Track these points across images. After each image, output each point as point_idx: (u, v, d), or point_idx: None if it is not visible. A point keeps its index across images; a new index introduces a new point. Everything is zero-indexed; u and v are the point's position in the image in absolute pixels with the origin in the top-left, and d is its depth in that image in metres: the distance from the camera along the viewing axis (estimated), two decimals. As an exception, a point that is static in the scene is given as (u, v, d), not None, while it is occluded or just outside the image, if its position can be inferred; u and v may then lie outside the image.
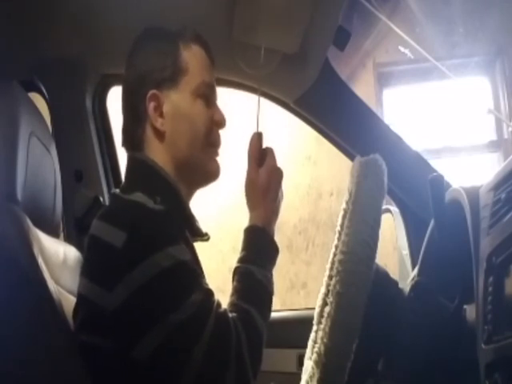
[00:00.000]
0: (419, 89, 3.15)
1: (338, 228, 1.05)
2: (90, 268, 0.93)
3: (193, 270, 0.92)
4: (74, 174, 1.53)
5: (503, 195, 0.77)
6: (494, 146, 3.07)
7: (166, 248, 0.88)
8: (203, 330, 0.86)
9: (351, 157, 1.53)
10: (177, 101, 1.04)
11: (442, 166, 2.05)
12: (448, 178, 1.02)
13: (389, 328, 0.90)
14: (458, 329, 0.88)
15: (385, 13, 2.25)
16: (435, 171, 1.45)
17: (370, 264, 0.83)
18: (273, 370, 1.54)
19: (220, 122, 1.08)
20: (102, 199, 1.52)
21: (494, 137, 3.09)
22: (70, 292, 1.02)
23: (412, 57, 2.71)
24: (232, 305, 0.95)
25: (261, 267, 0.99)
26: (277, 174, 1.06)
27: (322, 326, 0.84)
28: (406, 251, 1.52)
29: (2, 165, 0.93)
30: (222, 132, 1.10)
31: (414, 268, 1.34)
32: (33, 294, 0.88)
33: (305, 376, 0.92)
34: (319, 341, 0.83)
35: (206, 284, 0.93)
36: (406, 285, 1.01)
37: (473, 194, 0.86)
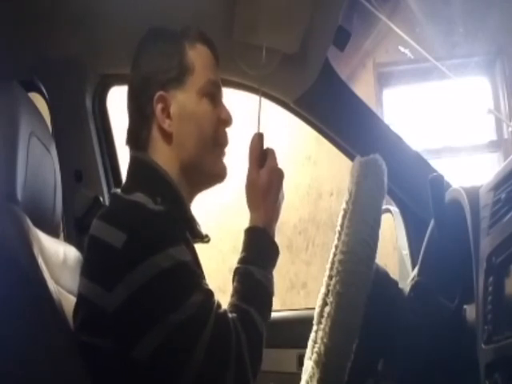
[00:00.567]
0: (419, 89, 3.15)
1: (338, 228, 1.05)
2: (90, 268, 0.93)
3: (193, 271, 0.92)
4: (74, 174, 1.53)
5: (503, 195, 0.77)
6: (494, 146, 3.07)
7: (166, 249, 0.88)
8: (203, 330, 0.86)
9: (351, 157, 1.53)
10: (183, 101, 1.04)
11: (442, 166, 2.06)
12: (448, 177, 1.02)
13: (389, 328, 0.90)
14: (458, 329, 0.88)
15: (385, 13, 2.25)
16: (435, 171, 1.45)
17: (370, 264, 0.83)
18: (273, 370, 1.54)
19: (226, 121, 1.08)
20: (102, 199, 1.52)
21: (494, 137, 3.09)
22: (70, 292, 1.02)
23: (412, 57, 2.71)
24: (232, 305, 0.95)
25: (261, 268, 0.99)
26: (277, 175, 1.06)
27: (322, 326, 0.84)
28: (406, 251, 1.52)
29: (2, 165, 0.93)
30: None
31: (413, 268, 1.34)
32: (33, 293, 0.88)
33: (305, 376, 0.92)
34: (319, 341, 0.83)
35: (206, 285, 0.93)
36: (405, 285, 1.01)
37: (473, 194, 0.86)
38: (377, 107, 3.00)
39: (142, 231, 0.89)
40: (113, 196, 1.03)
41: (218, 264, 2.61)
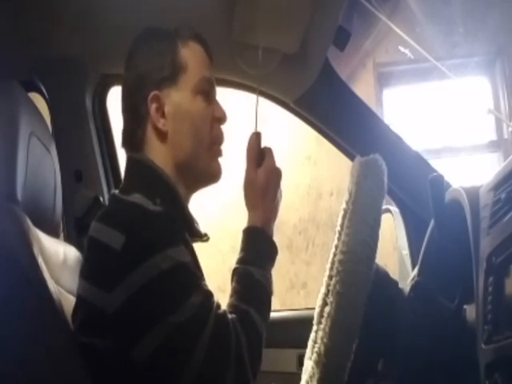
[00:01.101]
0: (419, 89, 3.15)
1: (338, 228, 1.05)
2: (90, 270, 0.93)
3: (192, 272, 0.91)
4: (74, 174, 1.53)
5: (503, 195, 0.77)
6: (494, 145, 3.07)
7: (165, 250, 0.88)
8: (203, 330, 0.86)
9: (351, 157, 1.53)
10: (177, 99, 1.04)
11: (442, 166, 2.06)
12: (448, 177, 1.02)
13: (389, 328, 0.90)
14: (458, 329, 0.88)
15: (385, 13, 2.26)
16: (435, 171, 1.45)
17: (370, 264, 0.83)
18: (273, 370, 1.54)
19: (221, 118, 1.08)
20: (102, 199, 1.52)
21: (494, 137, 3.09)
22: (70, 292, 1.02)
23: (412, 57, 2.71)
24: (231, 306, 0.95)
25: (260, 268, 0.99)
26: (275, 174, 1.06)
27: (322, 326, 0.84)
28: (406, 251, 1.52)
29: (2, 165, 0.93)
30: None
31: (413, 268, 1.34)
32: (33, 293, 0.88)
33: (305, 376, 0.92)
34: (319, 341, 0.83)
35: (206, 285, 0.93)
36: (406, 285, 1.01)
37: (473, 194, 0.86)
38: (377, 107, 3.00)
39: (141, 233, 0.89)
40: (111, 197, 1.02)
41: (218, 264, 2.61)
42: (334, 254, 1.02)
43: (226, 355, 0.87)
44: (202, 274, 0.96)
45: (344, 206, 1.01)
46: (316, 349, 0.82)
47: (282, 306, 2.68)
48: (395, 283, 0.97)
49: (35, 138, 1.01)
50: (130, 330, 0.86)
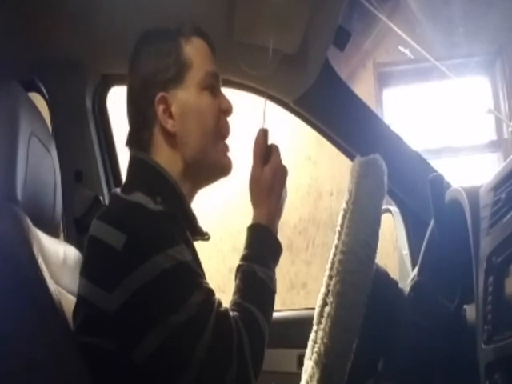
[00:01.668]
0: (419, 89, 3.15)
1: (338, 228, 1.05)
2: (90, 269, 0.93)
3: (193, 271, 0.92)
4: (74, 174, 1.53)
5: (503, 195, 0.77)
6: (494, 145, 3.07)
7: (166, 249, 0.88)
8: (204, 329, 0.86)
9: (351, 157, 1.53)
10: (184, 98, 1.03)
11: (442, 166, 2.06)
12: (448, 177, 1.02)
13: (389, 328, 0.90)
14: (458, 329, 0.88)
15: (385, 13, 2.26)
16: (435, 171, 1.45)
17: (370, 264, 0.83)
18: (273, 370, 1.54)
19: (227, 110, 1.08)
20: (102, 199, 1.52)
21: (494, 137, 3.09)
22: (70, 292, 1.02)
23: (412, 57, 2.71)
24: (234, 304, 0.95)
25: (263, 266, 0.99)
26: (281, 172, 1.06)
27: (322, 326, 0.84)
28: (406, 251, 1.52)
29: (2, 165, 0.93)
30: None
31: (413, 268, 1.34)
32: (33, 293, 0.88)
33: (305, 376, 0.92)
34: (319, 341, 0.83)
35: (207, 283, 0.93)
36: (405, 285, 1.01)
37: (473, 194, 0.86)
38: (377, 107, 3.00)
39: (142, 232, 0.89)
40: (112, 196, 1.02)
41: (218, 264, 2.61)
42: (334, 254, 1.02)
43: (228, 353, 0.87)
44: (203, 273, 0.96)
45: (344, 205, 1.01)
46: (316, 349, 0.82)
47: (282, 305, 2.68)
48: (395, 283, 0.97)
49: (35, 138, 1.01)
50: (132, 329, 0.86)
